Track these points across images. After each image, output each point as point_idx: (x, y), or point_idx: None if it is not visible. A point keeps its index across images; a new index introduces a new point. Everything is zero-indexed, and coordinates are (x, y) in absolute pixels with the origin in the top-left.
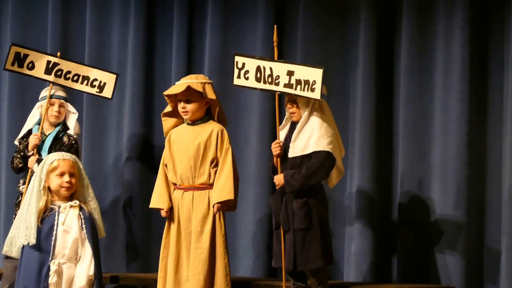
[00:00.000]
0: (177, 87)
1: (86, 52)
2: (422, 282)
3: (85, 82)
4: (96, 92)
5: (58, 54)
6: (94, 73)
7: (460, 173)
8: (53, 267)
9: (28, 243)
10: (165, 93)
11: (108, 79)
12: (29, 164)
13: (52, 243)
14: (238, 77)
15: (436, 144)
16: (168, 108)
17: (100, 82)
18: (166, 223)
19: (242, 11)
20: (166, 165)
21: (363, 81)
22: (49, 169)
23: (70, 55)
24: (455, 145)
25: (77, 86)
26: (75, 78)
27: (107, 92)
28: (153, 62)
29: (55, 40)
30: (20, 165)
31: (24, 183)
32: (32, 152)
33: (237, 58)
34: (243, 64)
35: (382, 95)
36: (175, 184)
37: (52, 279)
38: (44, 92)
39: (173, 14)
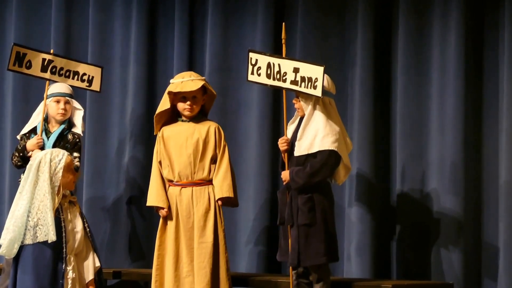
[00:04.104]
0: (189, 85)
1: (89, 49)
2: (421, 278)
3: (76, 77)
4: (86, 86)
5: (52, 51)
6: (82, 67)
7: (457, 169)
8: (70, 263)
9: (47, 240)
10: (175, 90)
11: (95, 72)
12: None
13: (64, 239)
14: (252, 73)
15: (433, 140)
16: (166, 105)
17: (89, 76)
18: (161, 221)
19: (242, 9)
20: (160, 162)
21: (361, 79)
22: (65, 165)
23: (73, 52)
24: (452, 141)
25: (69, 81)
26: (67, 73)
27: (95, 86)
28: (155, 59)
29: (58, 38)
30: (19, 163)
31: None
32: (30, 153)
33: (251, 55)
34: (256, 61)
35: (379, 93)
36: (170, 181)
37: (72, 274)
38: (52, 89)
39: (174, 12)
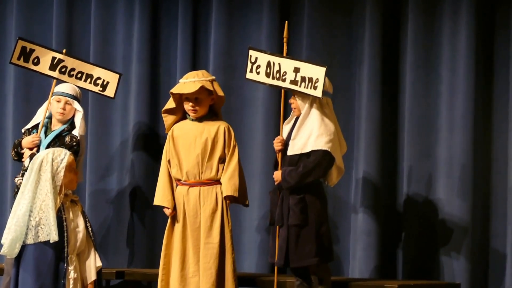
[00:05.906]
0: (188, 86)
1: (91, 47)
2: (427, 278)
3: (88, 80)
4: (99, 90)
5: (64, 51)
6: (97, 71)
7: (465, 168)
8: (72, 262)
9: (49, 240)
10: (175, 91)
11: (111, 78)
12: (25, 161)
13: (66, 239)
14: (251, 71)
15: (442, 139)
16: (171, 105)
17: (104, 81)
18: (169, 220)
19: (247, 7)
20: (169, 161)
21: (369, 77)
22: (67, 165)
23: (75, 51)
24: (461, 140)
25: (81, 83)
26: (79, 75)
27: (110, 91)
28: (158, 58)
29: (60, 36)
30: (15, 158)
31: (23, 176)
32: (24, 149)
33: (251, 52)
34: (256, 59)
35: (387, 91)
36: (179, 180)
37: (74, 274)
38: (57, 88)
39: (178, 9)
